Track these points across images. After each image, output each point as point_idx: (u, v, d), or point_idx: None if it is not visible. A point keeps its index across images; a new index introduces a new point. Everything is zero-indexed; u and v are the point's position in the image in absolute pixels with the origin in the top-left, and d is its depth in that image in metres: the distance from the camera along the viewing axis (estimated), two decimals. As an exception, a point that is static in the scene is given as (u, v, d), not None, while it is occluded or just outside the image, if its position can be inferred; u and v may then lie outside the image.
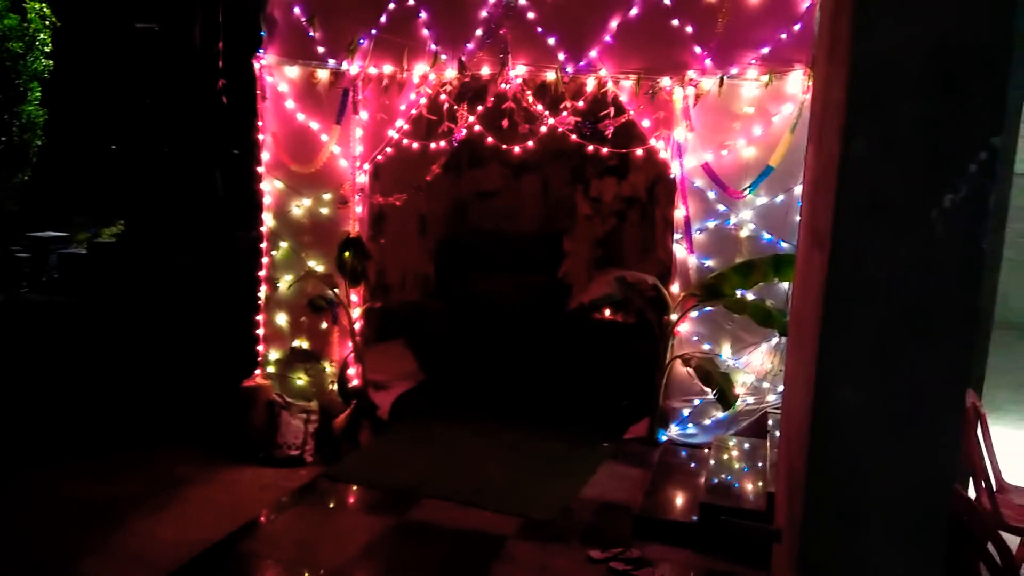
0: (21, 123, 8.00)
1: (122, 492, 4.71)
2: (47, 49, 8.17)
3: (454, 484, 4.87)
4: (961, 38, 1.61)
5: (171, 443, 5.42)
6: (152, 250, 7.74)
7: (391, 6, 5.35)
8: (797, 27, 4.88)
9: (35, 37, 8.01)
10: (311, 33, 5.47)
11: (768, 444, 4.66)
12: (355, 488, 4.94)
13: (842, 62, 1.94)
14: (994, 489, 3.56)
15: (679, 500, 4.48)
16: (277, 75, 5.59)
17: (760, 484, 4.26)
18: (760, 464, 4.56)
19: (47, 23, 8.12)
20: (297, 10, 5.50)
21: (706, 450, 4.98)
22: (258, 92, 5.64)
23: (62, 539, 4.19)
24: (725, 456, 4.80)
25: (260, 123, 5.69)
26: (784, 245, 5.00)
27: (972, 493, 3.77)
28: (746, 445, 4.93)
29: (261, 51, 5.61)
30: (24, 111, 8.03)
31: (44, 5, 8.06)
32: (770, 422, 4.94)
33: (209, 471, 5.04)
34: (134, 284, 7.36)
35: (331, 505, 4.77)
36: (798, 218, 4.87)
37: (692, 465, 4.94)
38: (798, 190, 4.88)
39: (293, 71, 5.57)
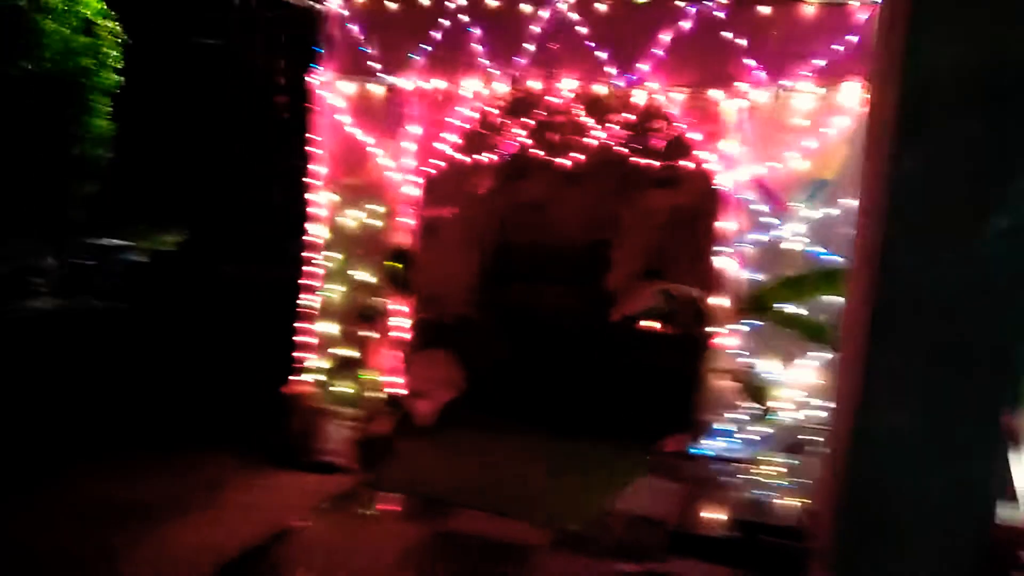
0: (91, 137, 8.32)
1: (164, 494, 4.79)
2: (118, 65, 8.48)
3: (491, 494, 4.88)
4: (1010, 57, 1.58)
5: (217, 446, 5.52)
6: (210, 258, 7.95)
7: (444, 23, 5.43)
8: (853, 39, 4.81)
9: (106, 53, 8.32)
10: (366, 50, 5.58)
11: (810, 461, 4.57)
12: (393, 496, 4.99)
13: (893, 80, 1.92)
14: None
15: (716, 515, 4.42)
16: (332, 90, 5.71)
17: (800, 502, 4.18)
18: (801, 481, 4.47)
19: (118, 40, 8.44)
20: (353, 27, 5.61)
21: (746, 465, 4.90)
22: (313, 107, 5.77)
23: (103, 539, 4.25)
24: (765, 472, 4.72)
25: (315, 137, 5.81)
26: (836, 259, 4.91)
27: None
28: (788, 461, 4.83)
29: (318, 67, 5.74)
30: (93, 125, 8.34)
31: (115, 24, 8.38)
32: (813, 439, 4.84)
33: (251, 475, 5.11)
34: (192, 291, 7.56)
35: (369, 513, 4.82)
36: (850, 232, 4.78)
37: (731, 480, 4.86)
38: (852, 203, 4.79)
39: (348, 86, 5.68)
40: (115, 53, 8.47)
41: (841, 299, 4.74)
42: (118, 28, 8.46)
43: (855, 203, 4.64)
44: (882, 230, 1.91)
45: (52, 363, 6.42)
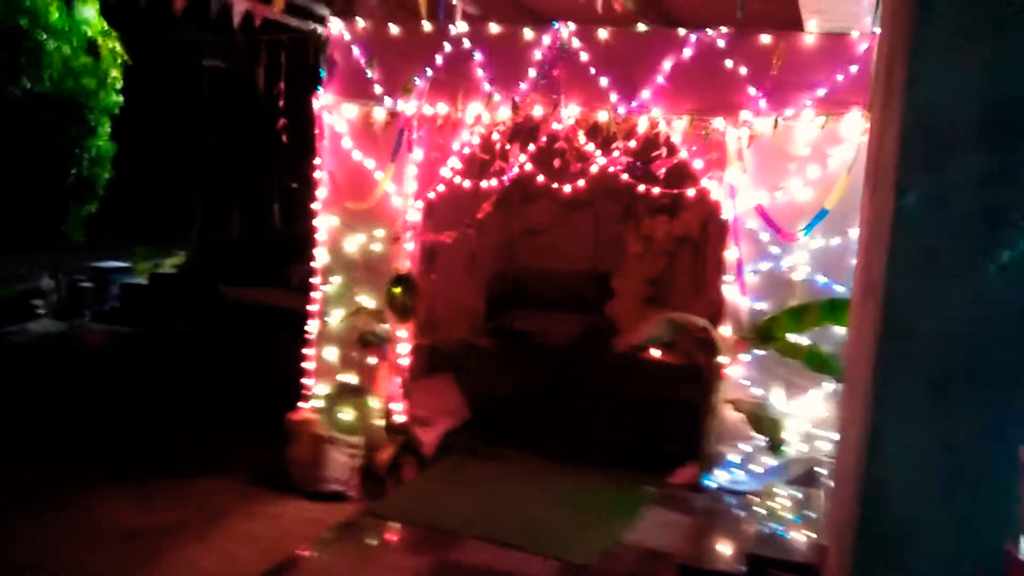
0: (91, 157, 8.33)
1: (167, 520, 4.78)
2: (118, 86, 8.51)
3: (495, 524, 4.82)
4: (1016, 92, 1.57)
5: (217, 473, 5.49)
6: (210, 281, 7.93)
7: (447, 48, 5.45)
8: (854, 68, 4.83)
9: (107, 73, 8.35)
10: (369, 74, 5.60)
11: (820, 494, 4.51)
12: (396, 526, 4.93)
13: (895, 112, 1.91)
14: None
15: (726, 549, 4.35)
16: (335, 114, 5.72)
17: (811, 535, 4.12)
18: (812, 515, 4.41)
19: (119, 61, 8.47)
20: (356, 51, 5.64)
21: (755, 498, 4.84)
22: (316, 130, 5.77)
23: (107, 565, 4.25)
24: (775, 505, 4.65)
25: (318, 160, 5.81)
26: (839, 289, 4.89)
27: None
28: (797, 494, 4.77)
29: (320, 90, 5.75)
30: (94, 145, 8.35)
31: (117, 44, 8.42)
32: (823, 471, 4.78)
33: (253, 503, 5.08)
34: (191, 314, 7.53)
35: (373, 542, 4.77)
36: (854, 261, 4.77)
37: (740, 513, 4.80)
38: (854, 233, 4.78)
39: (351, 110, 5.69)
40: (116, 73, 8.50)
41: (844, 329, 4.75)
42: (119, 48, 8.49)
43: (855, 232, 4.67)
44: (887, 262, 1.89)
45: (55, 386, 6.40)
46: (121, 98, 8.61)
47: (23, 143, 7.86)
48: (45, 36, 7.84)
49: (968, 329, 1.68)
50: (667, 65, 5.10)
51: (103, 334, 7.16)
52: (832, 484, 4.10)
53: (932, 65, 1.80)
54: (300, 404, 5.75)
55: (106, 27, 8.32)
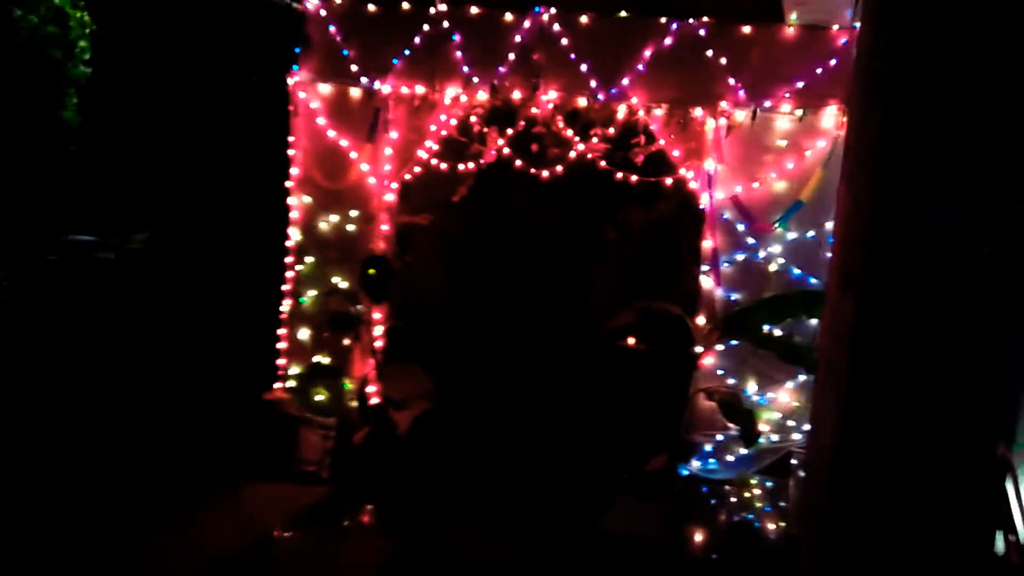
0: (57, 129, 8.12)
1: (140, 502, 4.70)
2: (86, 57, 8.29)
3: (469, 509, 4.82)
4: (993, 82, 1.57)
5: (188, 455, 5.42)
6: (179, 258, 7.79)
7: (425, 28, 5.39)
8: (833, 62, 4.86)
9: (75, 44, 8.13)
10: (345, 52, 5.52)
11: (791, 484, 4.58)
12: (369, 507, 4.92)
13: (875, 104, 1.91)
14: (1023, 543, 3.46)
15: (698, 537, 4.40)
16: (310, 92, 5.64)
17: (782, 524, 4.18)
18: (782, 504, 4.48)
19: (87, 30, 8.25)
20: (332, 29, 5.54)
21: (727, 487, 4.90)
22: (291, 108, 5.68)
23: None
24: (747, 494, 4.72)
25: (292, 139, 5.73)
26: (814, 281, 4.94)
27: (1001, 547, 3.66)
28: (768, 484, 4.85)
29: (295, 68, 5.66)
30: (60, 117, 8.14)
31: (84, 13, 8.20)
32: (794, 461, 4.85)
33: (225, 484, 5.04)
34: (159, 291, 7.39)
35: (346, 523, 4.75)
36: (829, 255, 4.81)
37: (712, 502, 4.85)
38: (829, 226, 4.82)
39: (326, 88, 5.61)
40: (84, 44, 8.28)
41: (817, 321, 4.81)
42: (87, 18, 8.27)
43: (831, 225, 4.71)
44: (865, 258, 1.89)
45: (20, 365, 6.23)
46: (88, 69, 8.39)
47: (-15, 113, 7.64)
48: (9, 4, 7.61)
49: (945, 322, 1.69)
50: (647, 53, 5.09)
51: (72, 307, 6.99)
52: (803, 474, 4.16)
53: (911, 60, 1.80)
54: (275, 384, 5.69)
55: (74, -4, 8.09)
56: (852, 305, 1.93)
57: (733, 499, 4.59)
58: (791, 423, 5.11)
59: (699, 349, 5.19)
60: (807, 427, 4.83)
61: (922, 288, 1.75)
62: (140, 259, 8.42)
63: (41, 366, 6.25)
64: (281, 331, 5.81)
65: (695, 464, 5.27)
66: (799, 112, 4.91)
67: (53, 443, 5.31)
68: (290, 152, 5.75)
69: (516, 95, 5.32)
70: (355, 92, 5.55)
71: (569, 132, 5.39)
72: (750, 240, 5.10)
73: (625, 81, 5.14)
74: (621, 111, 5.20)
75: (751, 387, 5.15)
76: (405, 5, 5.46)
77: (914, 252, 1.79)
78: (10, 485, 4.66)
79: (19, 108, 7.93)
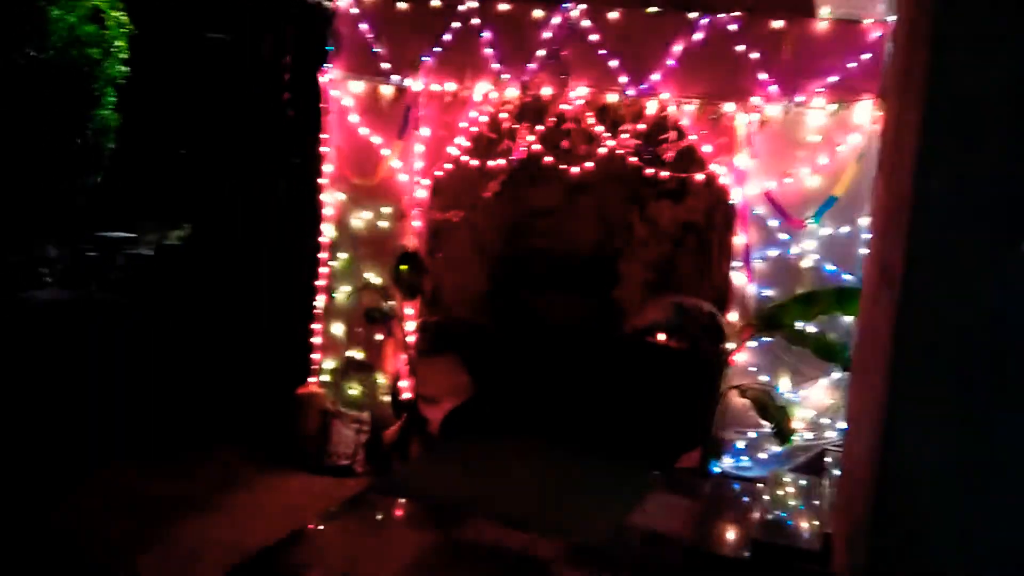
0: (95, 127, 8.28)
1: (176, 491, 4.83)
2: (123, 56, 8.44)
3: (501, 503, 4.85)
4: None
5: (226, 446, 5.52)
6: (216, 254, 7.90)
7: (455, 25, 5.41)
8: (867, 56, 4.80)
9: (112, 43, 8.28)
10: (376, 49, 5.56)
11: (826, 482, 4.53)
12: (402, 502, 4.96)
13: (916, 99, 1.89)
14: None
15: (730, 535, 4.38)
16: (342, 89, 5.69)
17: (816, 523, 4.14)
18: (816, 503, 4.43)
19: (124, 30, 8.40)
20: (364, 26, 5.59)
21: (760, 484, 4.86)
22: (323, 105, 5.74)
23: (119, 533, 4.32)
24: (780, 492, 4.68)
25: (325, 136, 5.79)
26: (848, 277, 4.89)
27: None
28: (802, 482, 4.79)
29: (328, 65, 5.72)
30: (98, 115, 8.30)
31: (122, 13, 8.34)
32: (828, 459, 4.80)
33: (260, 476, 5.13)
34: (197, 287, 7.52)
35: (378, 518, 4.80)
36: (863, 250, 4.76)
37: (745, 499, 4.82)
38: (864, 221, 4.77)
39: (358, 86, 5.66)
40: (121, 43, 8.43)
41: (851, 318, 4.75)
42: (125, 18, 8.42)
43: (865, 221, 4.66)
44: (906, 249, 1.87)
45: (63, 357, 6.38)
46: (126, 68, 8.55)
47: (27, 112, 7.82)
48: (49, 4, 7.77)
49: (991, 319, 1.68)
50: (678, 48, 5.07)
51: (112, 303, 7.13)
52: (838, 472, 4.12)
53: (958, 52, 1.78)
54: (310, 378, 5.77)
55: (111, -4, 8.24)
56: (892, 303, 1.91)
57: (766, 497, 4.55)
58: (825, 421, 5.06)
59: (731, 345, 5.17)
60: (841, 424, 4.79)
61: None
62: (179, 255, 8.56)
63: (70, 364, 6.38)
64: (316, 326, 5.88)
65: (727, 461, 5.25)
66: (832, 107, 4.86)
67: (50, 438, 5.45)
68: (323, 149, 5.81)
69: (546, 91, 5.33)
70: (386, 89, 5.59)
71: (599, 128, 5.38)
72: (783, 236, 5.06)
73: (655, 76, 5.12)
74: (651, 107, 5.18)
75: (784, 384, 5.11)
76: (435, 2, 5.49)
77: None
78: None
79: (57, 107, 8.10)
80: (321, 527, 4.56)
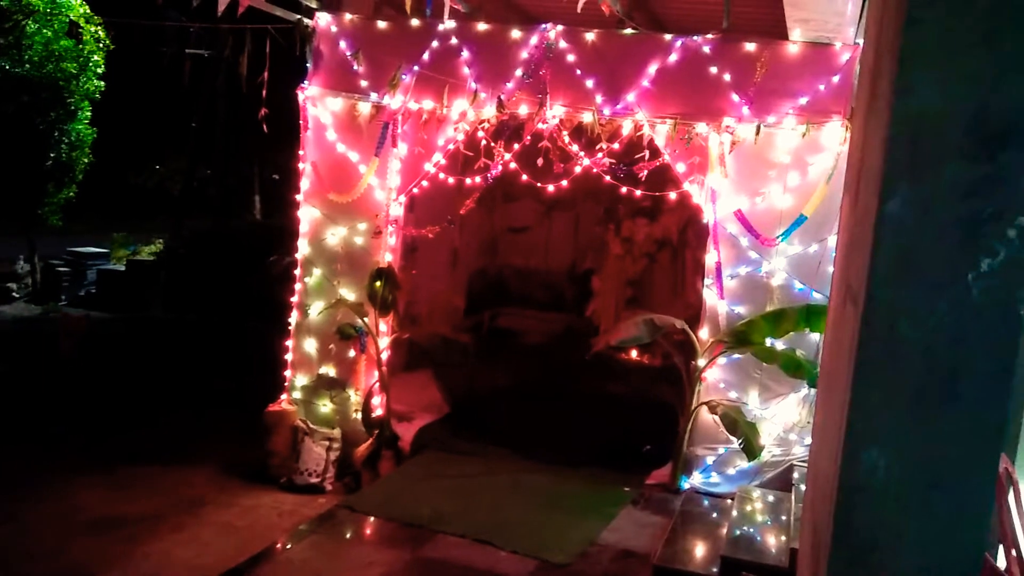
0: (70, 141, 8.23)
1: (142, 509, 4.75)
2: (100, 71, 8.41)
3: (471, 521, 4.83)
4: (1004, 104, 1.61)
5: (193, 463, 5.46)
6: (188, 270, 7.86)
7: (434, 44, 5.45)
8: (836, 79, 4.90)
9: (89, 59, 8.25)
10: (355, 67, 5.59)
11: (793, 498, 4.58)
12: (372, 520, 4.92)
13: (881, 121, 1.94)
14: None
15: (699, 551, 4.40)
16: (320, 106, 5.71)
17: (783, 539, 4.18)
18: (784, 518, 4.47)
19: (101, 45, 8.37)
20: (343, 44, 5.62)
21: (729, 500, 4.90)
22: (301, 122, 5.75)
23: (83, 553, 4.23)
24: (748, 508, 4.72)
25: (302, 152, 5.79)
26: (816, 295, 4.96)
27: (1002, 563, 3.66)
28: (770, 497, 4.84)
29: (306, 83, 5.73)
30: (73, 129, 8.26)
31: (99, 28, 8.32)
32: (795, 475, 4.85)
33: (229, 494, 5.07)
34: (168, 302, 7.47)
35: (348, 536, 4.76)
36: (831, 269, 4.84)
37: (714, 515, 4.86)
38: (832, 240, 4.85)
39: (336, 103, 5.68)
40: (97, 58, 8.40)
41: (819, 335, 4.82)
42: (102, 32, 8.40)
43: (833, 240, 4.74)
44: (869, 267, 1.91)
45: (31, 371, 6.31)
46: (102, 83, 8.51)
47: (1, 125, 7.75)
48: (26, 18, 7.73)
49: (949, 336, 1.72)
50: (652, 69, 5.14)
51: (80, 319, 7.06)
52: (805, 488, 4.16)
53: (921, 75, 1.83)
54: (281, 395, 5.73)
55: (88, 12, 8.23)
56: (855, 319, 1.95)
57: (735, 513, 4.59)
58: (793, 436, 5.12)
59: (702, 362, 5.22)
60: (809, 440, 4.84)
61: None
62: (149, 269, 8.50)
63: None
64: (288, 342, 5.86)
65: (697, 477, 5.28)
66: (802, 128, 4.95)
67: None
68: (300, 165, 5.81)
69: (523, 110, 5.38)
70: (364, 107, 5.61)
71: (575, 147, 5.43)
72: (753, 254, 5.14)
73: (630, 97, 5.19)
74: (626, 126, 5.25)
75: (753, 400, 5.16)
76: (414, 22, 5.54)
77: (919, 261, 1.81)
78: None
79: (32, 121, 8.04)
80: (289, 545, 4.51)
